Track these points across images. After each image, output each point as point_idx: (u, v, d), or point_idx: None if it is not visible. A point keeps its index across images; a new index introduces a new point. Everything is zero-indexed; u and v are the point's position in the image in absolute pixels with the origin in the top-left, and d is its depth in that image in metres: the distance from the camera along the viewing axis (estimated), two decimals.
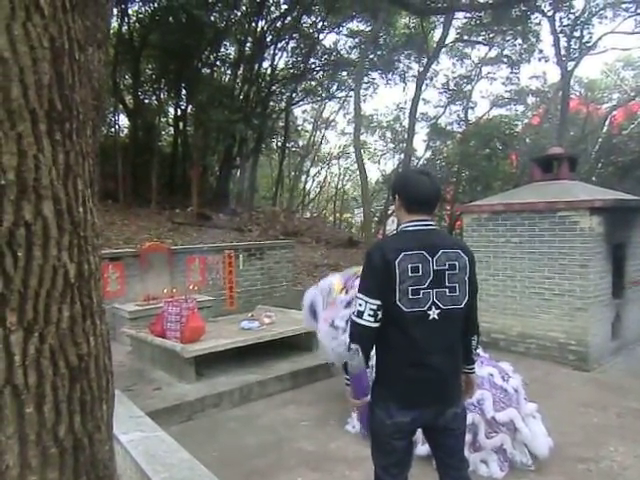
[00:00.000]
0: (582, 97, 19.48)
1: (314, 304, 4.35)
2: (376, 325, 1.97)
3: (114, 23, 11.38)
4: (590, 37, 14.54)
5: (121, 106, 13.01)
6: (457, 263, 2.03)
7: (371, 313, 1.96)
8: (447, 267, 2.01)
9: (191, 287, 6.68)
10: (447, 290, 2.00)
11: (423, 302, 1.97)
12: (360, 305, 1.98)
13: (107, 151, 11.10)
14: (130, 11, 12.35)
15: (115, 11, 10.69)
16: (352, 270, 4.33)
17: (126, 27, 12.28)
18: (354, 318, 2.02)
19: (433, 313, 1.98)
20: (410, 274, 1.95)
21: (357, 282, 2.16)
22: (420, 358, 1.98)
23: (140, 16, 12.71)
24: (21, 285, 1.00)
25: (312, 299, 4.38)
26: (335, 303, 4.11)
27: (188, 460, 2.29)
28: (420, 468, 2.90)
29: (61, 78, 1.05)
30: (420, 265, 1.97)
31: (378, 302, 1.96)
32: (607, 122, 17.03)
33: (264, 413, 4.44)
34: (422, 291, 1.97)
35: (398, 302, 1.95)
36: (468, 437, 3.09)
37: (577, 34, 14.26)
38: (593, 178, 13.62)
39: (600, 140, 16.44)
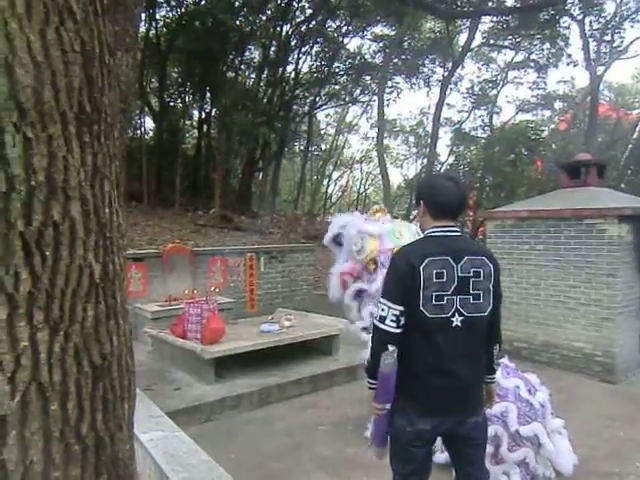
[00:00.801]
0: (612, 102, 19.04)
1: (341, 238, 4.02)
2: (398, 331, 1.95)
3: (142, 27, 11.59)
4: (621, 41, 14.26)
5: (147, 109, 13.23)
6: (482, 270, 2.00)
7: (393, 319, 1.94)
8: (472, 274, 1.98)
9: (212, 289, 6.74)
10: (471, 297, 1.97)
11: (447, 309, 1.95)
12: (383, 310, 1.96)
13: (132, 153, 11.29)
14: (158, 16, 12.60)
15: (143, 16, 10.89)
16: (392, 236, 3.79)
17: (154, 31, 12.50)
18: (376, 322, 2.00)
19: (456, 320, 1.95)
20: (435, 279, 1.93)
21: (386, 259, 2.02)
22: (442, 365, 1.96)
23: (167, 21, 12.95)
24: (48, 284, 1.02)
25: (340, 231, 4.02)
26: (357, 266, 3.83)
27: (207, 461, 2.29)
28: (439, 476, 2.86)
29: (91, 81, 1.06)
30: (445, 271, 1.94)
31: (401, 308, 1.93)
32: (638, 128, 16.61)
33: (283, 416, 4.44)
34: (446, 297, 1.94)
35: (422, 308, 1.93)
36: (490, 449, 3.03)
37: (607, 38, 13.98)
38: (622, 185, 13.29)
39: (630, 146, 16.03)
